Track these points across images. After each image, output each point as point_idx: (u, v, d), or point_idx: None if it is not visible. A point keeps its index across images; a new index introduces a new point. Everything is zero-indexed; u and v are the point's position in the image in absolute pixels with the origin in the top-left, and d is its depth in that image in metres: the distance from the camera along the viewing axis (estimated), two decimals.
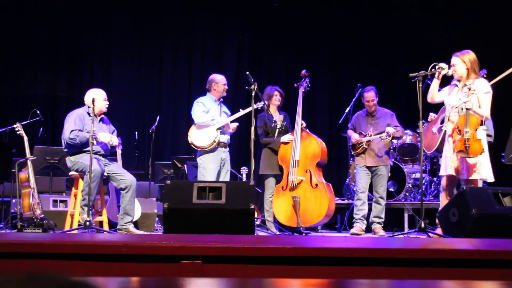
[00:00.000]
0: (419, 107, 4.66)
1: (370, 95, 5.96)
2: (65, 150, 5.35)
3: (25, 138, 5.52)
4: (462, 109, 4.55)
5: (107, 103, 5.50)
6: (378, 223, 5.82)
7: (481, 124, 4.58)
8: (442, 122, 5.20)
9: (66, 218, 5.44)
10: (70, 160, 5.32)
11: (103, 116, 5.54)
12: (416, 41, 8.61)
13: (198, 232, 3.99)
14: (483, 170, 4.56)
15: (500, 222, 4.14)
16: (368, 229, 5.95)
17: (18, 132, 5.54)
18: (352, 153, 6.07)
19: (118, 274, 2.50)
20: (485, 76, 5.26)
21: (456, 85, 4.79)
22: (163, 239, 2.86)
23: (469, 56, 4.72)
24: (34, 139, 7.08)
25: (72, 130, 5.20)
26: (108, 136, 5.35)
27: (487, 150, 4.61)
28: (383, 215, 5.86)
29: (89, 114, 5.32)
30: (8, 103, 8.71)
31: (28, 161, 5.44)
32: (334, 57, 9.02)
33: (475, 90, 4.55)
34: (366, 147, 5.87)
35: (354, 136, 5.94)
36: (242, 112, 5.77)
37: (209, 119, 5.69)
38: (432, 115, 5.59)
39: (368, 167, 5.90)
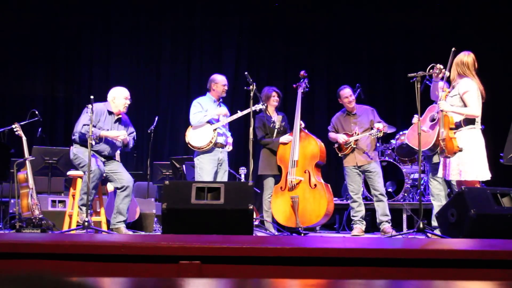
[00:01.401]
0: (417, 108, 4.67)
1: (347, 91, 5.91)
2: (73, 137, 5.34)
3: (24, 138, 5.51)
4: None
5: (128, 102, 5.44)
6: (387, 221, 5.76)
7: (460, 126, 4.62)
8: (432, 120, 5.22)
9: (64, 218, 5.44)
10: (73, 152, 5.30)
11: (122, 116, 5.49)
12: (415, 41, 8.62)
13: (196, 232, 3.99)
14: (463, 171, 4.57)
15: (498, 223, 4.14)
16: (377, 230, 5.91)
17: (16, 133, 5.54)
18: (340, 155, 5.95)
19: (116, 275, 2.50)
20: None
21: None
22: (161, 240, 2.86)
23: (457, 58, 4.78)
24: (33, 140, 7.08)
25: (85, 125, 5.18)
26: (115, 131, 5.31)
27: (476, 149, 4.61)
28: (388, 212, 5.79)
29: (109, 112, 5.34)
30: (7, 103, 8.70)
31: (27, 161, 5.44)
32: (333, 57, 9.02)
33: (452, 92, 4.64)
34: (355, 146, 5.82)
35: (341, 137, 5.84)
36: (240, 114, 5.75)
37: (202, 116, 5.67)
38: (416, 117, 5.59)
39: (359, 167, 5.84)
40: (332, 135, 6.01)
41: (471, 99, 4.63)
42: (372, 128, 5.80)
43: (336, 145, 5.96)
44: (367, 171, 5.84)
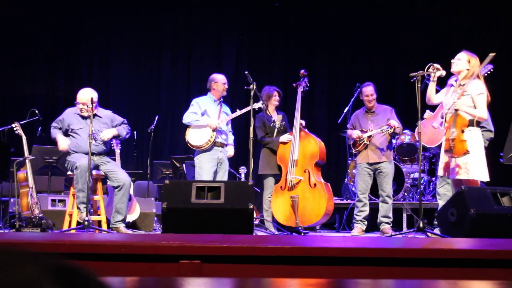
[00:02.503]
0: (417, 107, 4.67)
1: (369, 89, 5.94)
2: None
3: (24, 137, 5.51)
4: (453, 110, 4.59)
5: (81, 106, 5.30)
6: (387, 223, 5.76)
7: (471, 125, 4.58)
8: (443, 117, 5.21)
9: (64, 217, 5.44)
10: (67, 161, 5.36)
11: (97, 112, 5.42)
12: (415, 40, 8.61)
13: (196, 231, 3.99)
14: (471, 170, 4.55)
15: (498, 222, 4.14)
16: (377, 229, 5.92)
17: (16, 132, 5.54)
18: (354, 151, 6.00)
19: (116, 274, 2.50)
20: (491, 71, 5.26)
21: (453, 85, 4.80)
22: (161, 239, 2.86)
23: (476, 61, 4.72)
24: (33, 139, 7.07)
25: (52, 124, 5.40)
26: (61, 140, 5.32)
27: (482, 149, 4.61)
28: (391, 214, 5.80)
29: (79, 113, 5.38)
30: (7, 103, 8.70)
31: (27, 160, 5.44)
32: (333, 56, 9.01)
33: (466, 92, 4.59)
34: (368, 143, 5.81)
35: (355, 132, 5.86)
36: (239, 112, 5.76)
37: (193, 119, 5.68)
38: (428, 112, 5.59)
39: (371, 164, 5.83)
40: (349, 132, 6.05)
41: (483, 102, 4.62)
42: None
43: (351, 142, 5.98)
44: (378, 169, 5.82)
